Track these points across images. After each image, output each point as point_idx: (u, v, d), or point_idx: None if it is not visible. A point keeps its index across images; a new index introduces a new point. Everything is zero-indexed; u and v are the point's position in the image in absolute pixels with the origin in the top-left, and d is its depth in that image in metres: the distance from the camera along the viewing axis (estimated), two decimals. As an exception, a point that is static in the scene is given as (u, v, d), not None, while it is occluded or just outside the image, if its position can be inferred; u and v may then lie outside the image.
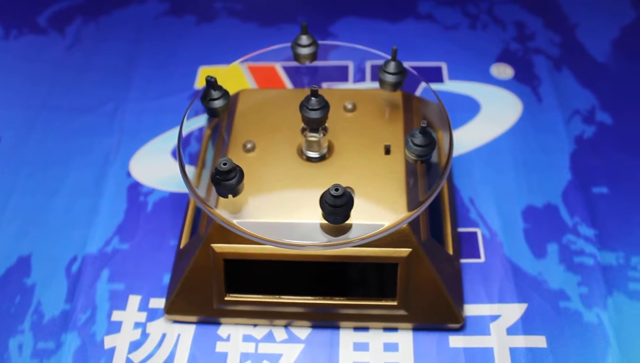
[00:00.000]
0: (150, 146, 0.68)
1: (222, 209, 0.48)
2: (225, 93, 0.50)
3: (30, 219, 0.62)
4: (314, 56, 0.56)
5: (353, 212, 0.46)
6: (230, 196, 0.46)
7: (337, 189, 0.43)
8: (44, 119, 0.71)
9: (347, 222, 0.46)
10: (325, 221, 0.45)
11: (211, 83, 0.49)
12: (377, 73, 0.53)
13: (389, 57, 0.53)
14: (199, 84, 0.74)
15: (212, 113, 0.51)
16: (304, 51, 0.55)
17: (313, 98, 0.47)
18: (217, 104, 0.50)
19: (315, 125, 0.48)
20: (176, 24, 0.82)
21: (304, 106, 0.47)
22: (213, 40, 0.79)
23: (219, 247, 0.50)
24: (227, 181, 0.44)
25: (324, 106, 0.47)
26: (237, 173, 0.45)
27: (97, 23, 0.82)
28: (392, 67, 0.52)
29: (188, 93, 0.73)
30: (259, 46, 0.59)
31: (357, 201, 0.48)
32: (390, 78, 0.52)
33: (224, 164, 0.44)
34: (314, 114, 0.47)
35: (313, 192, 0.48)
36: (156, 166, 0.66)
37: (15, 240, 0.60)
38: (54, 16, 0.83)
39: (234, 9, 0.83)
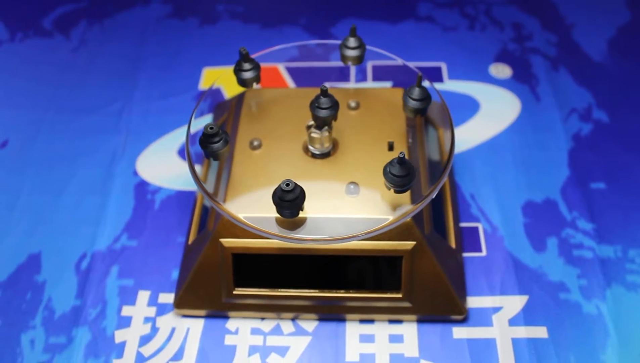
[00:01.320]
0: (156, 145, 0.69)
1: (230, 205, 0.49)
2: (256, 65, 0.54)
3: (39, 218, 0.63)
4: (360, 59, 0.56)
5: (358, 206, 0.48)
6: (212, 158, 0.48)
7: (287, 185, 0.44)
8: (51, 120, 0.72)
9: (353, 216, 0.47)
10: (330, 216, 0.47)
11: (243, 55, 0.53)
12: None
13: (390, 55, 0.54)
14: (203, 84, 0.75)
15: (243, 84, 0.54)
16: (351, 53, 0.56)
17: (323, 97, 0.48)
18: (248, 75, 0.53)
19: (325, 123, 0.50)
20: (179, 26, 0.83)
21: (314, 105, 0.49)
22: (216, 42, 0.80)
23: (227, 242, 0.51)
24: (213, 143, 0.46)
25: (334, 105, 0.49)
26: (222, 137, 0.47)
27: (102, 26, 0.83)
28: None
29: (192, 94, 0.74)
30: (261, 47, 0.60)
31: (362, 196, 0.49)
32: (413, 104, 0.51)
33: (211, 128, 0.46)
34: (325, 113, 0.48)
35: (318, 187, 0.49)
36: (162, 165, 0.67)
37: (25, 238, 0.61)
38: (59, 19, 0.84)
39: (236, 11, 0.85)
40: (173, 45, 0.80)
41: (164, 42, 0.81)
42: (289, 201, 0.45)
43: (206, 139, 0.48)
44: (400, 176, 0.46)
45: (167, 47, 0.80)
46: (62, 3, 0.86)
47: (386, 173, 0.46)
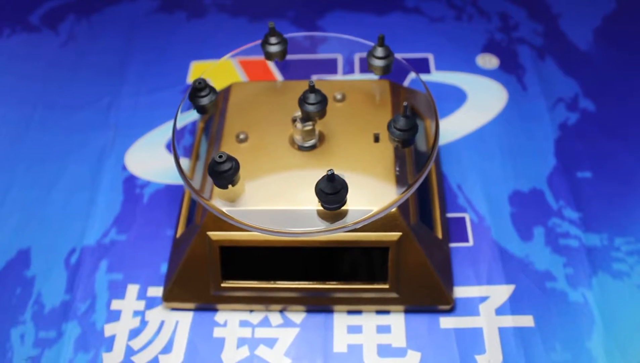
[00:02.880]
0: (144, 139, 0.69)
1: (217, 199, 0.49)
2: (283, 40, 0.54)
3: (28, 214, 0.63)
4: (388, 69, 0.55)
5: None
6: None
7: (220, 157, 0.45)
8: (40, 115, 0.72)
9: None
10: (317, 208, 0.47)
11: (271, 29, 0.54)
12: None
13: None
14: (191, 78, 0.75)
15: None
16: (379, 63, 0.54)
17: (311, 93, 0.48)
18: (274, 49, 0.54)
19: (314, 118, 0.50)
20: (167, 20, 0.83)
21: (302, 100, 0.49)
22: (204, 36, 0.80)
23: (214, 235, 0.51)
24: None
25: (322, 100, 0.49)
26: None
27: (90, 21, 0.83)
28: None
29: (181, 88, 0.74)
30: (249, 40, 0.60)
31: (348, 188, 0.49)
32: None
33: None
34: (313, 108, 0.49)
35: (305, 180, 0.49)
36: (151, 159, 0.67)
37: (14, 234, 0.61)
38: (46, 14, 0.84)
39: (224, 4, 0.84)
40: (161, 39, 0.80)
41: (152, 37, 0.81)
42: (223, 171, 0.45)
43: (194, 93, 0.51)
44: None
45: (155, 41, 0.80)
46: (50, -2, 0.86)
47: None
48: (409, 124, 0.47)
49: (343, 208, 0.47)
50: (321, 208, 0.47)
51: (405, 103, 0.46)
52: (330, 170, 0.44)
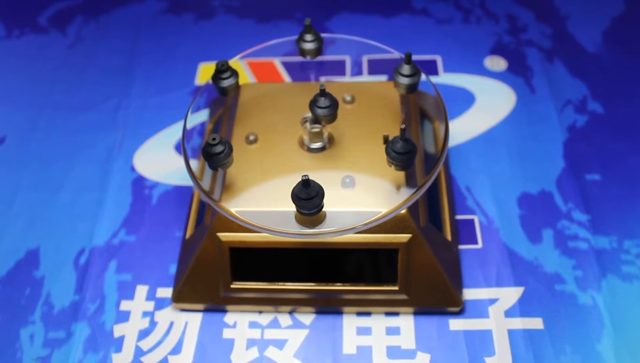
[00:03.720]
0: (153, 141, 0.69)
1: (227, 200, 0.49)
2: (318, 37, 0.54)
3: (37, 214, 0.63)
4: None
5: (354, 199, 0.48)
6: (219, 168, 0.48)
7: (214, 139, 0.46)
8: (47, 116, 0.72)
9: (349, 209, 0.48)
10: (327, 210, 0.47)
11: (306, 26, 0.54)
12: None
13: (386, 48, 0.54)
14: (199, 80, 0.75)
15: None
16: (405, 81, 0.53)
17: (322, 97, 0.48)
18: (309, 46, 0.54)
19: (325, 122, 0.50)
20: (175, 21, 0.83)
21: (313, 104, 0.49)
22: (212, 37, 0.80)
23: (224, 236, 0.51)
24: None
25: (333, 104, 0.49)
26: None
27: (98, 22, 0.83)
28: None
29: (189, 89, 0.74)
30: (256, 42, 0.60)
31: (358, 189, 0.49)
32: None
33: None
34: (324, 112, 0.49)
35: (314, 181, 0.49)
36: (159, 160, 0.67)
37: (23, 234, 0.62)
38: (54, 16, 0.84)
39: (232, 6, 0.85)
40: (169, 40, 0.80)
41: (160, 38, 0.81)
42: (215, 154, 0.47)
43: (217, 75, 0.52)
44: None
45: (163, 42, 0.80)
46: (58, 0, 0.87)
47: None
48: (406, 148, 0.46)
49: (355, 209, 0.47)
50: (332, 209, 0.47)
51: (402, 126, 0.45)
52: (305, 175, 0.44)
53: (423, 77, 0.55)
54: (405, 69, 0.52)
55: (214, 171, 0.50)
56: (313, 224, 0.47)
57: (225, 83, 0.53)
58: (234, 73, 0.53)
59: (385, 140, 0.53)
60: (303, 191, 0.44)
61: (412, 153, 0.47)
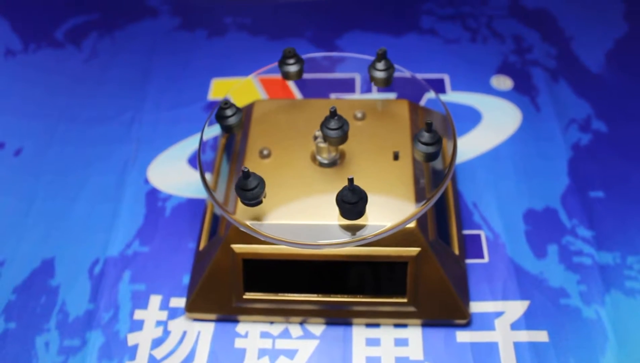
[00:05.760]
0: (166, 154, 0.70)
1: (241, 213, 0.50)
2: (237, 110, 0.53)
3: (52, 224, 0.64)
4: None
5: (365, 214, 0.49)
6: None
7: (226, 103, 0.49)
8: (63, 128, 0.74)
9: (360, 222, 0.49)
10: (338, 222, 0.48)
11: (379, 55, 0.55)
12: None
13: (395, 66, 0.56)
14: (212, 95, 0.76)
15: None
16: (380, 75, 0.56)
17: (332, 118, 0.50)
18: (231, 121, 0.53)
19: (336, 143, 0.51)
20: (188, 38, 0.85)
21: (324, 126, 0.50)
22: (224, 54, 0.82)
23: (238, 248, 0.53)
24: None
25: (343, 125, 0.50)
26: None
27: (112, 37, 0.85)
28: (381, 65, 0.55)
29: (201, 104, 0.75)
30: (268, 58, 0.61)
31: (369, 203, 0.50)
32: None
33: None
34: (334, 133, 0.50)
35: (326, 195, 0.51)
36: (173, 173, 0.68)
37: (38, 244, 0.63)
38: (70, 31, 0.86)
39: (243, 23, 0.86)
40: (182, 56, 0.82)
41: (173, 54, 0.82)
42: (227, 116, 0.51)
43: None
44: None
45: (177, 58, 0.82)
46: (74, 15, 0.88)
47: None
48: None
49: (365, 222, 0.49)
50: (342, 222, 0.48)
51: (429, 121, 0.48)
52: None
53: (432, 95, 0.56)
54: (380, 64, 0.55)
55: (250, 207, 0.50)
56: (326, 236, 0.48)
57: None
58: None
59: (395, 156, 0.54)
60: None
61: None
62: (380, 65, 0.55)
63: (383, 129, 0.57)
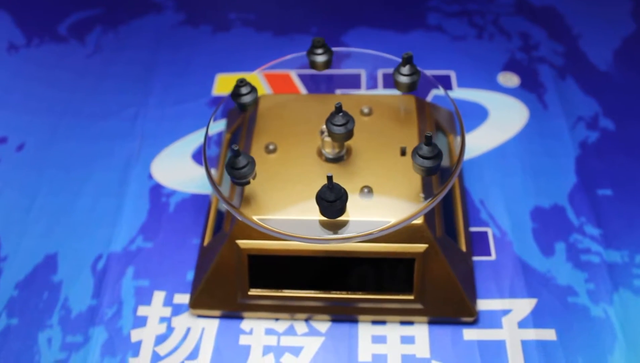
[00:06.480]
0: (170, 149, 0.70)
1: (247, 208, 0.50)
2: (253, 89, 0.53)
3: (55, 219, 0.64)
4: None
5: (372, 209, 0.49)
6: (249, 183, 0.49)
7: (242, 81, 0.49)
8: (67, 124, 0.73)
9: (366, 219, 0.48)
10: (344, 218, 0.48)
11: (405, 59, 0.53)
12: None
13: (400, 61, 0.55)
14: (216, 90, 0.76)
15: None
16: (405, 80, 0.54)
17: (338, 114, 0.49)
18: (246, 99, 0.53)
19: (341, 140, 0.51)
20: (192, 33, 0.84)
21: (329, 122, 0.50)
22: (229, 49, 0.81)
23: (243, 243, 0.52)
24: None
25: (349, 121, 0.49)
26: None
27: (116, 32, 0.85)
28: (406, 69, 0.54)
29: (206, 100, 0.75)
30: (273, 54, 0.61)
31: (375, 199, 0.50)
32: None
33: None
34: (339, 130, 0.49)
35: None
36: (177, 169, 0.68)
37: (41, 239, 0.62)
38: (74, 25, 0.86)
39: (248, 19, 0.86)
40: (186, 52, 0.82)
41: (178, 49, 0.82)
42: (243, 95, 0.52)
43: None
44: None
45: (181, 53, 0.81)
46: (77, 9, 0.88)
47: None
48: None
49: (372, 218, 0.48)
50: (349, 217, 0.48)
51: (429, 133, 0.46)
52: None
53: (441, 91, 0.56)
54: (405, 69, 0.54)
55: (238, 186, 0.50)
56: (332, 231, 0.48)
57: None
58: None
59: (402, 152, 0.54)
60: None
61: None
62: (405, 70, 0.54)
63: (390, 124, 0.56)
